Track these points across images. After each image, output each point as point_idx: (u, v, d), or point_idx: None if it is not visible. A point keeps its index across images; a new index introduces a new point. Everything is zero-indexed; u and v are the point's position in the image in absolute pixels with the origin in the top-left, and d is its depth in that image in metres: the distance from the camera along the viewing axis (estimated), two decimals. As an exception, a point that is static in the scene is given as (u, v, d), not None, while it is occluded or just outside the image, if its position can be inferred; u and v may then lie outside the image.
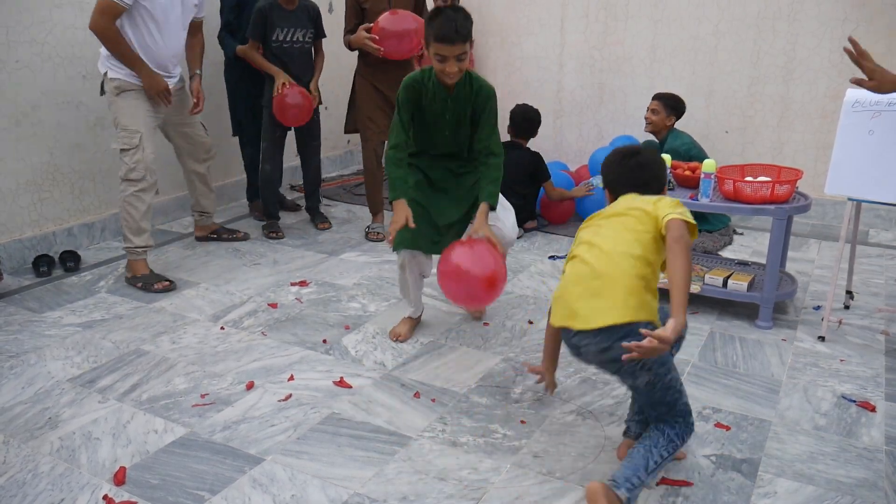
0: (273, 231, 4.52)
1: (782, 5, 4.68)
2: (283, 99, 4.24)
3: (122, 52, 3.48)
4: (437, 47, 2.69)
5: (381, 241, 4.40)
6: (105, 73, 3.60)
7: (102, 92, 3.69)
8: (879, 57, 4.40)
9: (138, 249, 3.71)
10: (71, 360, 2.97)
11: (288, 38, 4.31)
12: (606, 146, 5.12)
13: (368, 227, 4.55)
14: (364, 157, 4.44)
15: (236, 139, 4.80)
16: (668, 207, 2.07)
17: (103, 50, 3.55)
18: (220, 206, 4.99)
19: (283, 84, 4.24)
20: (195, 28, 3.85)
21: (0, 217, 3.88)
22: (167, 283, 3.68)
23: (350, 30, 4.21)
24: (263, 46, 4.32)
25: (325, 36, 4.52)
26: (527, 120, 4.59)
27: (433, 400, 2.67)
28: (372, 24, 4.05)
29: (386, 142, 3.21)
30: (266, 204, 4.61)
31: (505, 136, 4.63)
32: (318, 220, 4.77)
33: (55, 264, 3.98)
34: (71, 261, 3.96)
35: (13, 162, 3.91)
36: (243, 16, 4.41)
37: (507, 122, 4.62)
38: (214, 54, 4.52)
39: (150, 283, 3.68)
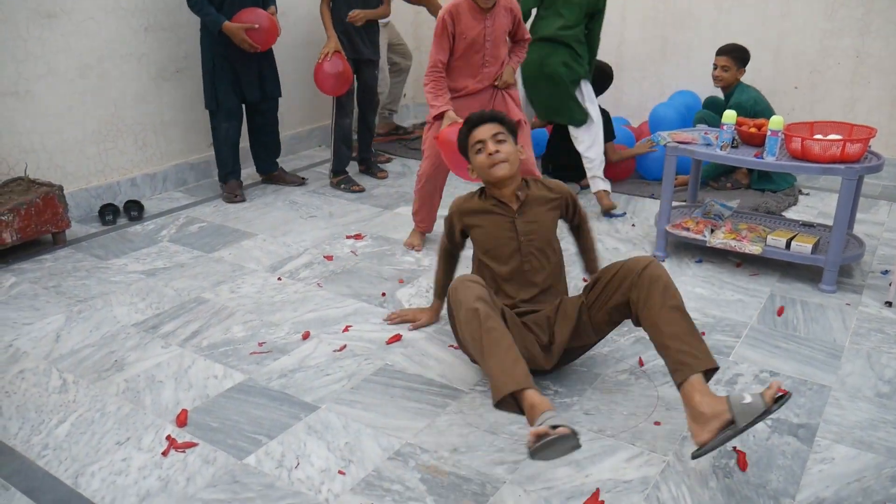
0: (355, 184, 4.58)
1: (862, -47, 4.43)
2: (323, 67, 4.25)
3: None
4: None
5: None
6: None
7: None
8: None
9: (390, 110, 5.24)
10: (135, 305, 3.07)
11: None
12: (666, 102, 4.97)
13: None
14: None
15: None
16: None
17: None
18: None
19: (329, 52, 4.24)
20: None
21: (68, 166, 4.00)
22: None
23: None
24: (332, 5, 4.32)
25: None
26: (602, 75, 4.50)
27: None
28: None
29: None
30: (343, 158, 4.64)
31: None
32: (376, 170, 4.81)
33: (120, 213, 4.10)
34: (135, 210, 4.08)
35: (79, 113, 4.01)
36: None
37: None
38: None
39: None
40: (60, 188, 3.65)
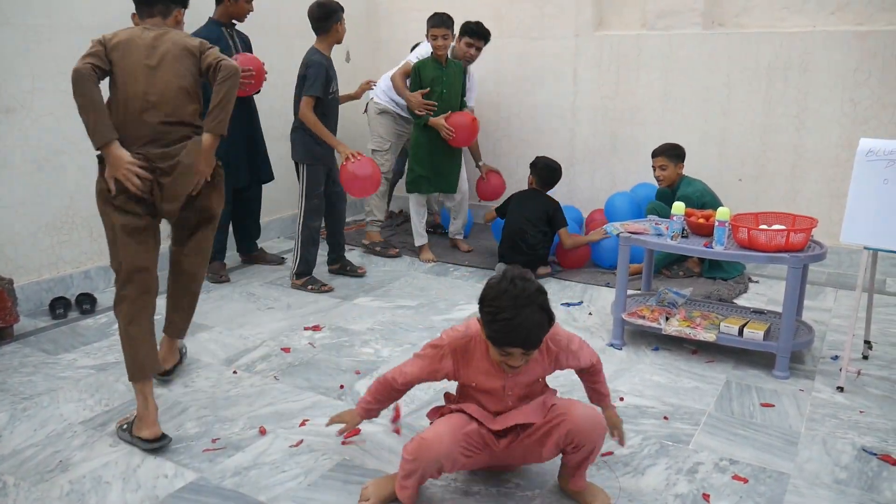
0: (324, 285, 4.41)
1: (793, 56, 4.73)
2: (354, 170, 4.15)
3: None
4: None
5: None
6: (371, 98, 5.10)
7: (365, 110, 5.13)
8: (893, 108, 4.44)
9: (377, 221, 5.13)
10: (84, 402, 2.97)
11: (333, 90, 4.35)
12: (627, 191, 5.15)
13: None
14: None
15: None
16: None
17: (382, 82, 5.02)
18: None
19: (352, 155, 4.19)
20: None
21: (19, 259, 3.93)
22: (396, 250, 5.08)
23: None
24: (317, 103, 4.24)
25: None
26: (550, 171, 4.68)
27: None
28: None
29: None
30: (311, 261, 4.45)
31: (526, 185, 4.77)
32: (354, 267, 4.71)
33: (71, 306, 4.01)
34: (87, 303, 4.00)
35: (34, 206, 3.97)
36: None
37: (529, 172, 4.73)
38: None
39: (385, 248, 5.08)
40: (10, 281, 3.58)
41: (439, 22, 4.62)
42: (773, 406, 2.97)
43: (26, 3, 3.80)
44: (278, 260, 4.90)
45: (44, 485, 2.40)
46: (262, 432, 2.74)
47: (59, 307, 3.92)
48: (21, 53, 3.82)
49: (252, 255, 4.88)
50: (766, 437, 2.73)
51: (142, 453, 2.59)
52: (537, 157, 4.78)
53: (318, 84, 4.15)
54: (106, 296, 4.23)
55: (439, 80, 4.73)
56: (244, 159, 4.45)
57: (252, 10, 4.42)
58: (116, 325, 3.76)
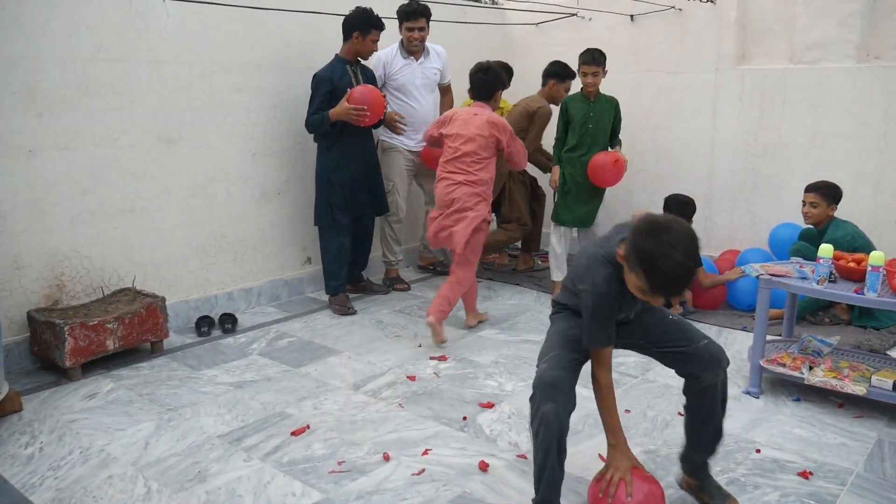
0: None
1: (962, 90, 4.37)
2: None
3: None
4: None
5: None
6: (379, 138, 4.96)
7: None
8: None
9: (392, 261, 5.08)
10: (222, 417, 3.14)
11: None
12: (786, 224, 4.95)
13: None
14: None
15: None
16: None
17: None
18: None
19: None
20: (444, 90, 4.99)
21: (170, 279, 4.23)
22: (405, 285, 5.03)
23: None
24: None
25: None
26: (680, 206, 4.58)
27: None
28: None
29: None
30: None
31: None
32: (376, 286, 5.02)
33: (214, 325, 4.26)
34: (229, 323, 4.23)
35: (187, 230, 4.28)
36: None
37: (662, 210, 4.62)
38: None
39: (393, 283, 5.03)
40: (163, 300, 3.85)
41: (589, 59, 4.59)
42: (934, 471, 2.70)
43: (189, 44, 4.13)
44: (385, 290, 5.00)
45: (183, 493, 2.54)
46: (386, 458, 2.78)
47: (203, 325, 4.17)
48: (184, 89, 4.15)
49: (359, 284, 4.96)
50: (925, 504, 2.49)
51: (272, 470, 2.69)
52: (668, 196, 4.66)
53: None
54: (245, 317, 4.46)
55: (586, 115, 4.68)
56: (364, 189, 4.59)
57: (377, 50, 4.56)
58: (254, 345, 3.98)
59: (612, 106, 4.77)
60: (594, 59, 4.60)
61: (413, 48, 4.79)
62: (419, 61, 4.83)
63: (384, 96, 4.41)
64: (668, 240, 1.96)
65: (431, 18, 4.78)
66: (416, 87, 4.84)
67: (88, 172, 3.81)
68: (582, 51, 4.65)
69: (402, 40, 4.81)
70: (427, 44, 4.84)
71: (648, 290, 2.03)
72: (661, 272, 1.96)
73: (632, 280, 2.07)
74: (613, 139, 4.82)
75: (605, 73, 4.67)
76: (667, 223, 2.01)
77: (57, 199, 3.71)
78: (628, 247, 2.05)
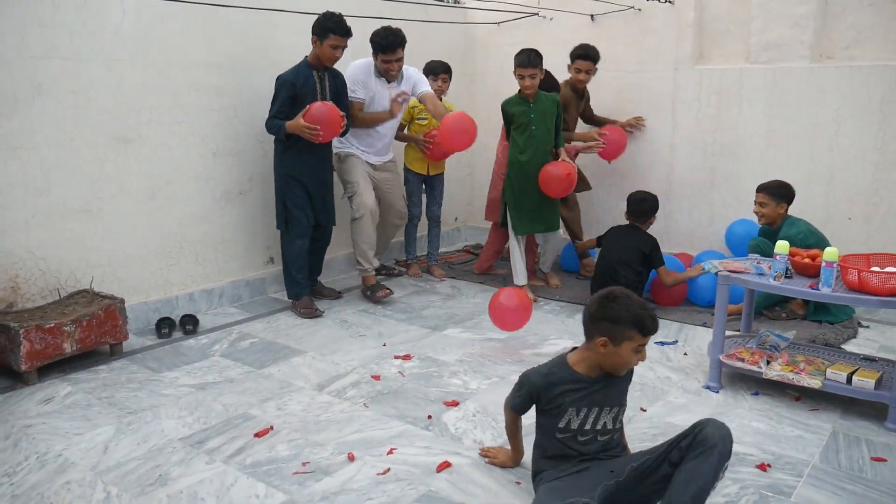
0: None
1: (910, 90, 4.49)
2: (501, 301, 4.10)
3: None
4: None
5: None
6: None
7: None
8: None
9: (367, 268, 4.81)
10: (183, 419, 3.09)
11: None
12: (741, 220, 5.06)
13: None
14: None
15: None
16: None
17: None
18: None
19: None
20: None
21: (129, 280, 4.16)
22: (387, 291, 4.77)
23: None
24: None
25: None
26: (638, 202, 4.64)
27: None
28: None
29: None
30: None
31: (624, 220, 4.73)
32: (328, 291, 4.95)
33: (175, 326, 4.20)
34: (190, 324, 4.18)
35: (145, 230, 4.21)
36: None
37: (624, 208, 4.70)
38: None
39: (374, 290, 4.76)
40: (122, 301, 3.78)
41: (525, 61, 4.48)
42: (886, 461, 2.78)
43: (146, 43, 4.06)
44: (335, 294, 4.91)
45: (144, 497, 2.50)
46: (351, 458, 2.77)
47: (164, 327, 4.11)
48: (140, 88, 4.08)
49: (312, 289, 4.83)
50: (877, 493, 2.56)
51: (235, 472, 2.66)
52: (633, 192, 4.73)
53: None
54: (207, 318, 4.41)
55: (528, 117, 4.62)
56: (319, 197, 4.53)
57: (339, 57, 4.38)
58: (216, 347, 3.93)
59: (554, 104, 4.68)
60: (530, 60, 4.48)
61: (391, 77, 4.70)
62: (391, 84, 4.73)
63: (342, 115, 4.29)
64: (622, 300, 2.32)
65: (392, 18, 4.74)
66: (385, 108, 4.74)
67: (42, 173, 3.72)
68: (516, 52, 4.56)
69: (375, 64, 4.68)
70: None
71: (640, 338, 2.29)
72: (647, 318, 2.29)
73: (624, 348, 2.29)
74: (557, 137, 4.74)
75: (542, 73, 4.56)
76: (607, 295, 2.36)
77: (10, 201, 3.62)
78: (602, 329, 2.30)
